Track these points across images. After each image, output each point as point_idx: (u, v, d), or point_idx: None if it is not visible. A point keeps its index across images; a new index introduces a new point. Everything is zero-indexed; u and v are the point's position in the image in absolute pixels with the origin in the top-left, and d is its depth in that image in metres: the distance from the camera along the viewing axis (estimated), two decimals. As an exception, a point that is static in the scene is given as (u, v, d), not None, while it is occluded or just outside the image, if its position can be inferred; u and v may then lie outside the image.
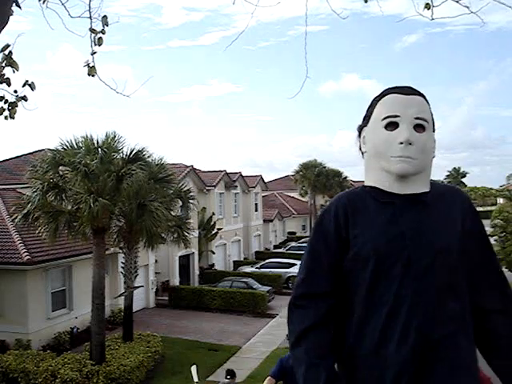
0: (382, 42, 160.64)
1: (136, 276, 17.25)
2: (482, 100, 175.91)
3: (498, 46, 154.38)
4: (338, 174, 56.18)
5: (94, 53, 4.25)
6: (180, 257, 27.84)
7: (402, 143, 1.76)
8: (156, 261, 25.42)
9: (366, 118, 1.91)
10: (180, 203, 18.31)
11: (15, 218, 14.81)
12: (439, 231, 1.75)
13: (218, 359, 16.49)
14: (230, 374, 10.21)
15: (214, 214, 31.81)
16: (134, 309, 18.34)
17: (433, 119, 1.88)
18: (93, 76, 4.23)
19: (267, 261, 32.03)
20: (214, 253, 32.65)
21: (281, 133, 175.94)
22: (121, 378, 13.71)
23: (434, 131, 1.91)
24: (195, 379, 6.78)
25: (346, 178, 57.67)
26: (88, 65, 4.22)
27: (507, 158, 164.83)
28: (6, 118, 4.18)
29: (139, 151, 15.15)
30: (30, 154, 24.54)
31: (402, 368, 1.66)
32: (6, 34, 3.82)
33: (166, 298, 25.27)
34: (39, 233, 14.67)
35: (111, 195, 14.21)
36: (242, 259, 36.68)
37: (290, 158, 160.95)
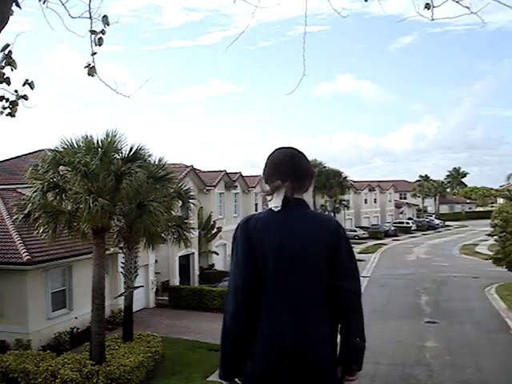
0: (380, 43, 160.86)
1: (136, 276, 17.25)
2: (481, 100, 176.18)
3: (498, 46, 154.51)
4: (337, 173, 56.20)
5: (95, 53, 4.24)
6: (180, 257, 27.84)
7: None
8: (156, 261, 25.43)
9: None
10: (180, 203, 18.31)
11: (15, 218, 14.82)
12: None
13: (218, 359, 16.46)
14: None
15: (211, 213, 31.73)
16: (134, 309, 18.34)
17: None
18: (93, 76, 4.23)
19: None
20: (217, 253, 32.65)
21: (280, 133, 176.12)
22: (121, 378, 13.70)
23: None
24: None
25: (346, 177, 57.69)
26: (89, 65, 4.22)
27: (507, 158, 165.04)
28: (7, 115, 4.20)
29: (138, 150, 15.13)
30: (29, 154, 24.56)
31: None
32: (5, 33, 3.82)
33: (166, 298, 25.26)
34: (39, 233, 14.66)
35: (111, 195, 14.20)
36: (241, 259, 36.65)
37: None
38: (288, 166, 2.35)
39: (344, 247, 2.36)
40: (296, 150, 2.44)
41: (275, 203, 2.28)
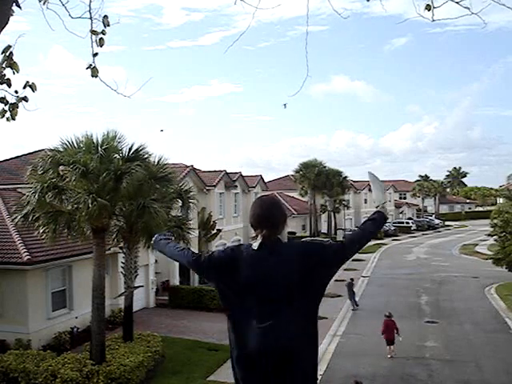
0: (376, 44, 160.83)
1: (136, 276, 17.24)
2: (479, 100, 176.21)
3: (494, 47, 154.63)
4: (338, 173, 56.16)
5: (96, 54, 4.24)
6: (180, 257, 27.79)
7: None
8: (156, 261, 25.42)
9: None
10: (180, 202, 18.29)
11: (15, 217, 14.81)
12: None
13: (218, 359, 16.50)
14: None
15: (211, 214, 31.72)
16: (134, 309, 18.34)
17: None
18: (96, 77, 4.23)
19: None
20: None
21: (280, 133, 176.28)
22: (121, 377, 13.70)
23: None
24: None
25: (346, 177, 57.66)
26: (90, 66, 4.22)
27: (505, 158, 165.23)
28: (7, 119, 4.19)
29: (138, 149, 15.13)
30: (30, 154, 24.57)
31: None
32: (4, 34, 3.83)
33: (166, 298, 25.27)
34: (39, 233, 14.66)
35: (110, 195, 14.19)
36: (242, 259, 36.62)
37: (288, 158, 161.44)
38: (265, 220, 2.98)
39: (326, 254, 2.94)
40: (273, 202, 3.12)
41: (255, 244, 2.96)
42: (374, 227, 3.14)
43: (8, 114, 4.20)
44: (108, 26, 4.34)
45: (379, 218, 3.14)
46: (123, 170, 14.18)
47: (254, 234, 3.12)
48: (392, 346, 17.26)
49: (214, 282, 3.11)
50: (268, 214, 3.01)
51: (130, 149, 14.96)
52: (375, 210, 3.23)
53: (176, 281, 27.46)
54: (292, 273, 2.85)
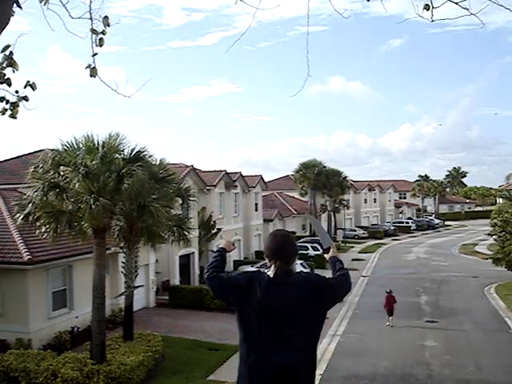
0: (373, 44, 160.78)
1: (136, 275, 17.26)
2: (478, 101, 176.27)
3: (495, 47, 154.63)
4: (337, 173, 56.18)
5: (95, 54, 4.26)
6: (180, 256, 27.86)
7: None
8: (156, 260, 25.44)
9: None
10: (180, 201, 18.31)
11: (16, 217, 14.82)
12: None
13: (218, 358, 16.51)
14: None
15: (212, 214, 31.79)
16: (135, 308, 18.36)
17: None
18: (95, 77, 4.25)
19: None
20: (214, 251, 32.72)
21: (279, 133, 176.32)
22: (121, 377, 13.72)
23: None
24: None
25: (345, 177, 57.68)
26: (90, 66, 4.24)
27: (504, 158, 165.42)
28: (10, 116, 4.22)
29: (140, 151, 15.14)
30: (30, 154, 24.57)
31: None
32: (5, 34, 3.85)
33: (167, 298, 25.27)
34: (40, 233, 14.67)
35: (112, 195, 14.20)
36: (242, 259, 36.68)
37: (286, 158, 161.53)
38: (278, 253, 3.33)
39: (327, 287, 3.31)
40: (285, 237, 3.45)
41: (270, 273, 3.29)
42: (346, 272, 3.55)
43: (8, 113, 4.23)
44: (108, 26, 4.36)
45: (341, 263, 3.61)
46: (125, 171, 14.19)
47: (264, 262, 3.48)
48: (391, 317, 20.79)
49: (233, 302, 3.32)
50: (282, 247, 3.37)
51: (132, 150, 14.97)
52: (328, 256, 3.73)
53: (176, 280, 27.48)
54: (304, 302, 3.17)
